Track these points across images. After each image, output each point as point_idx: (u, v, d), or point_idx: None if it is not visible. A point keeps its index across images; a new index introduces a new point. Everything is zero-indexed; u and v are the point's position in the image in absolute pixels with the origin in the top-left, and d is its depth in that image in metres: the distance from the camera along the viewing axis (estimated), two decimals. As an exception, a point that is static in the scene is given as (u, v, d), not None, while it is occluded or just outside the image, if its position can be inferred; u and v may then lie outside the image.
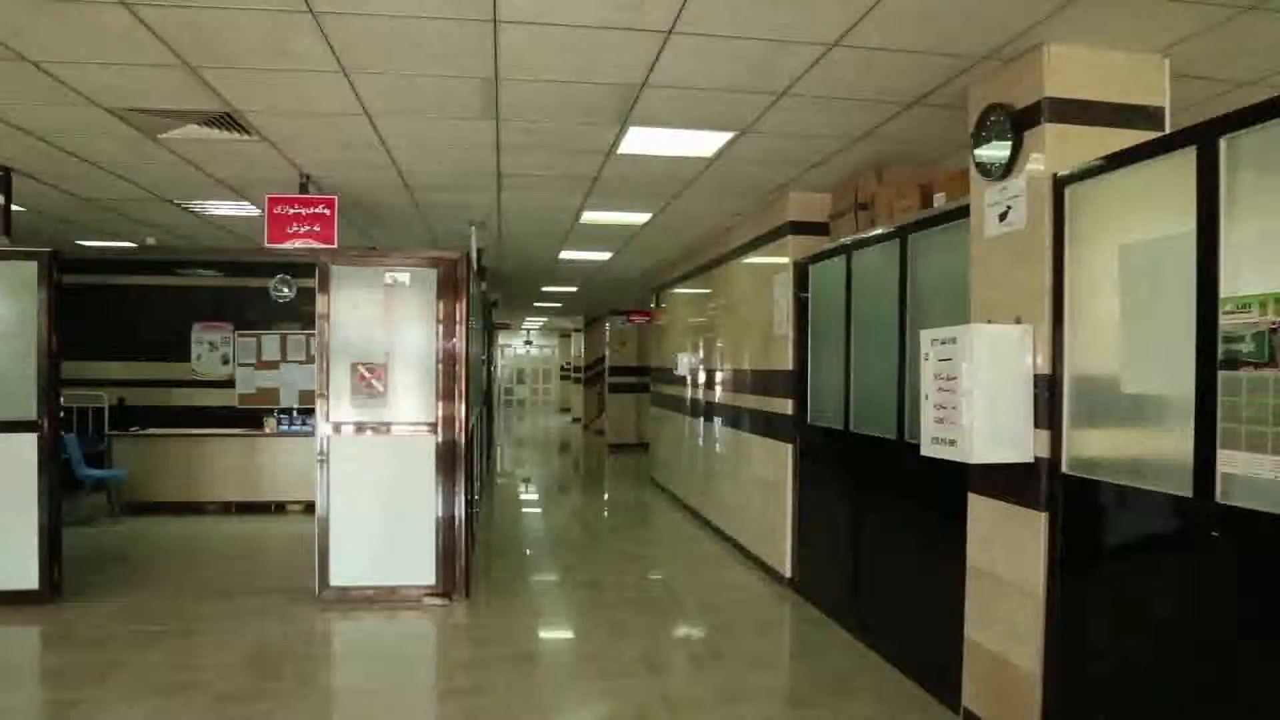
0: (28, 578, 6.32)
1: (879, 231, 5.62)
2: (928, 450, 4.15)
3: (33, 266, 6.40)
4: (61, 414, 6.83)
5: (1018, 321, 3.93)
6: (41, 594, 6.32)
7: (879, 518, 5.61)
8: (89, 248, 10.18)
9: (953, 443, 3.94)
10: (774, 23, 3.79)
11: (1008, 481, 4.00)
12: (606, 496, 13.09)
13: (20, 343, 6.40)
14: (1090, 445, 3.69)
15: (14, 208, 6.74)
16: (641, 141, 5.68)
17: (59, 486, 6.59)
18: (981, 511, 4.26)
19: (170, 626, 6.01)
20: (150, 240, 9.79)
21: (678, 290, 11.89)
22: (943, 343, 4.03)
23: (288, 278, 10.76)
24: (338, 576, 6.51)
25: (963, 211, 4.51)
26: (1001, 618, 4.11)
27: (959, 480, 4.34)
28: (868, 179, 5.96)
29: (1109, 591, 3.53)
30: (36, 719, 4.70)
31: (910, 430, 5.02)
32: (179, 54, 4.19)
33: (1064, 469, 3.75)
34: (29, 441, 6.34)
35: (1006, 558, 4.06)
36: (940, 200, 5.05)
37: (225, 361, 11.23)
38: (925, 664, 4.92)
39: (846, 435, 6.02)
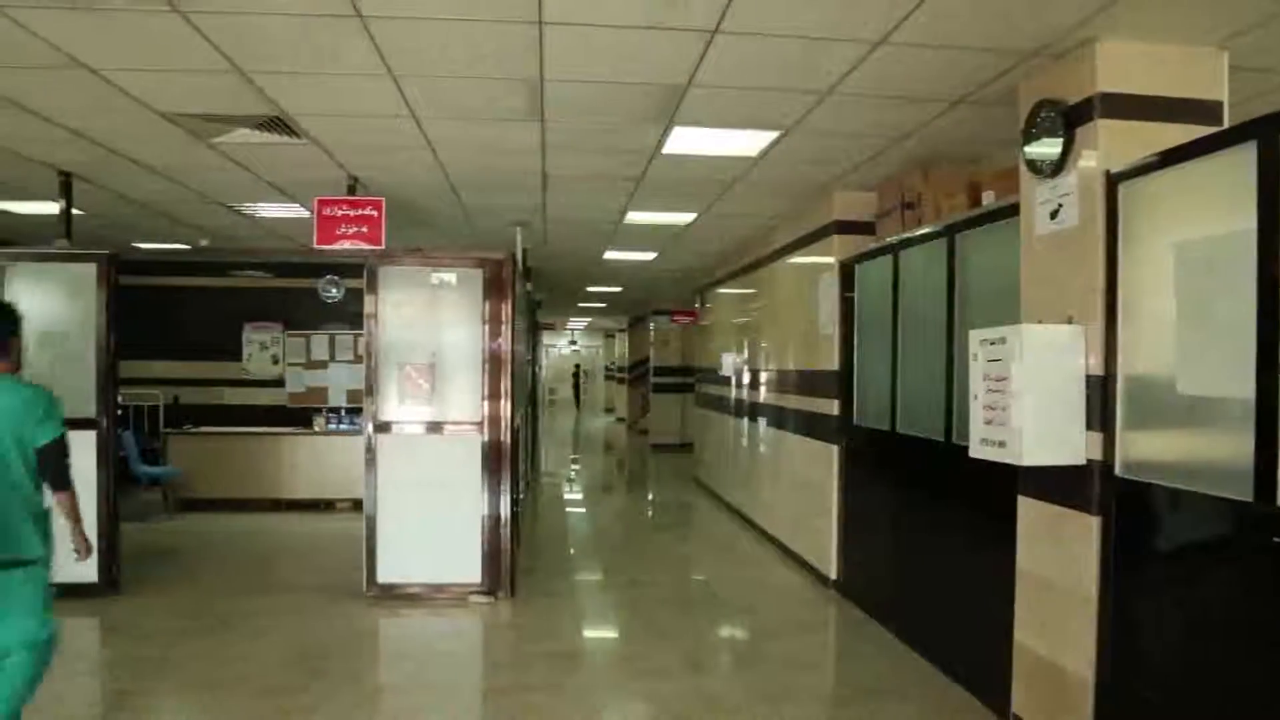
0: (87, 571, 6.43)
1: (926, 230, 5.55)
2: (976, 452, 4.09)
3: (92, 269, 6.58)
4: (119, 412, 6.99)
5: (1069, 321, 3.86)
6: (100, 587, 6.48)
7: (925, 519, 5.54)
8: (144, 250, 10.43)
9: (1002, 444, 3.88)
10: (819, 21, 3.76)
11: (1059, 484, 3.92)
12: (650, 496, 13.10)
13: (80, 342, 6.58)
14: (1144, 448, 3.61)
15: (74, 212, 6.92)
16: (686, 141, 5.67)
17: (116, 483, 6.75)
18: (1031, 514, 4.19)
19: (222, 622, 6.12)
20: (203, 242, 10.01)
21: (722, 290, 11.86)
22: (992, 343, 3.97)
23: (336, 279, 10.94)
24: (385, 573, 6.59)
25: (1012, 210, 4.44)
26: (1052, 622, 4.04)
27: (1008, 482, 4.27)
28: (914, 177, 5.89)
29: (1165, 597, 3.46)
30: (93, 708, 4.83)
31: (958, 432, 4.95)
32: (231, 59, 4.27)
33: (1117, 472, 3.67)
34: (88, 439, 6.50)
35: (1057, 562, 3.99)
36: (989, 198, 4.98)
37: (275, 361, 11.42)
38: (972, 668, 4.85)
39: (893, 436, 5.95)
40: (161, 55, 4.23)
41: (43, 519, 3.84)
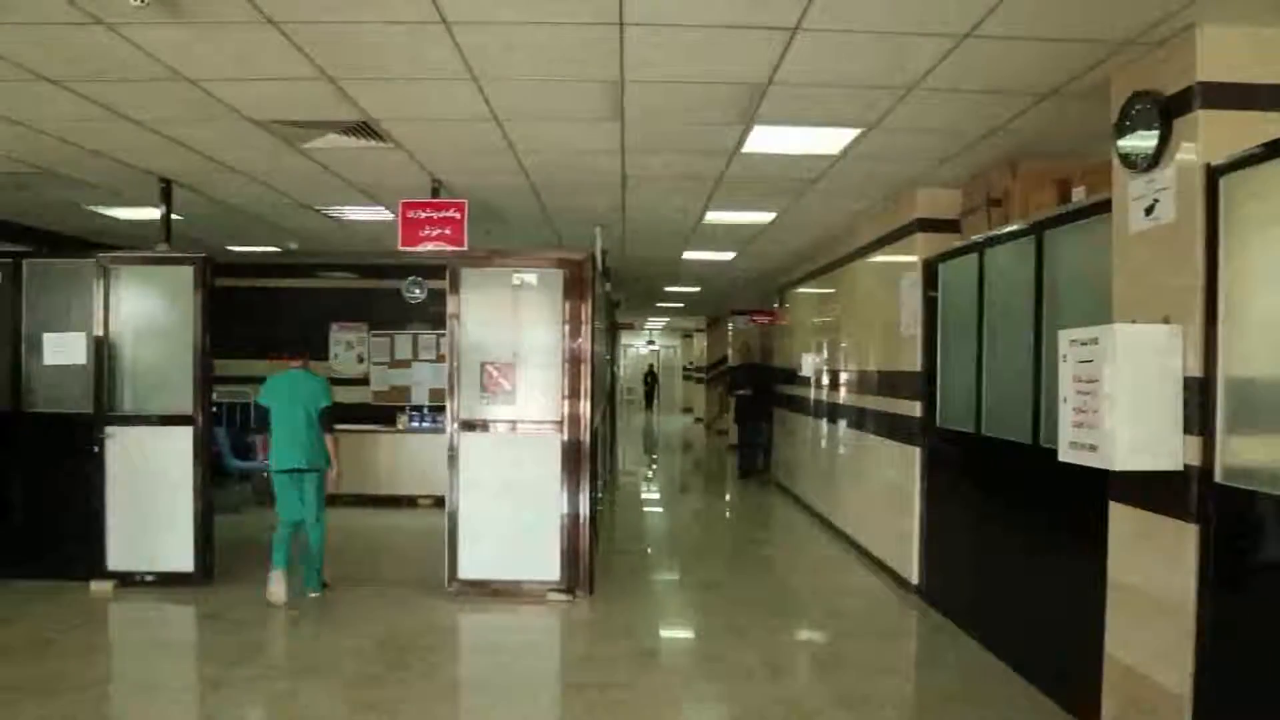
0: (184, 561, 6.75)
1: (1013, 228, 5.41)
2: (1065, 456, 3.98)
3: (189, 271, 6.84)
4: (213, 409, 7.26)
5: (1165, 321, 3.72)
6: (195, 576, 6.75)
7: (1010, 524, 5.40)
8: (237, 253, 10.81)
9: (1093, 448, 3.76)
10: (903, 15, 3.70)
11: (1154, 490, 3.78)
12: (727, 497, 13.04)
13: (179, 342, 6.86)
14: (1248, 453, 3.45)
15: (172, 217, 7.21)
16: (766, 140, 5.64)
17: (211, 476, 7.02)
18: (1124, 521, 4.05)
19: (308, 612, 6.31)
20: (292, 245, 10.32)
21: (801, 290, 11.75)
22: (1083, 343, 3.86)
23: (419, 279, 11.18)
24: (466, 570, 6.69)
25: (1104, 206, 4.30)
26: (1146, 635, 3.90)
27: (1099, 488, 4.13)
28: (1001, 174, 5.75)
29: (1268, 611, 3.30)
30: (188, 692, 5.04)
31: (1046, 434, 4.81)
32: (321, 67, 4.40)
33: (1217, 478, 3.52)
34: (186, 434, 6.77)
35: (1152, 571, 3.85)
36: (1079, 194, 4.83)
37: (360, 360, 11.70)
38: (1058, 678, 4.71)
39: (977, 439, 5.82)
40: (256, 65, 4.38)
41: (323, 448, 6.69)
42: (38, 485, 6.90)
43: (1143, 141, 3.86)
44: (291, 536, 6.54)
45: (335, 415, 6.82)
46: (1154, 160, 3.80)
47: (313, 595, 6.58)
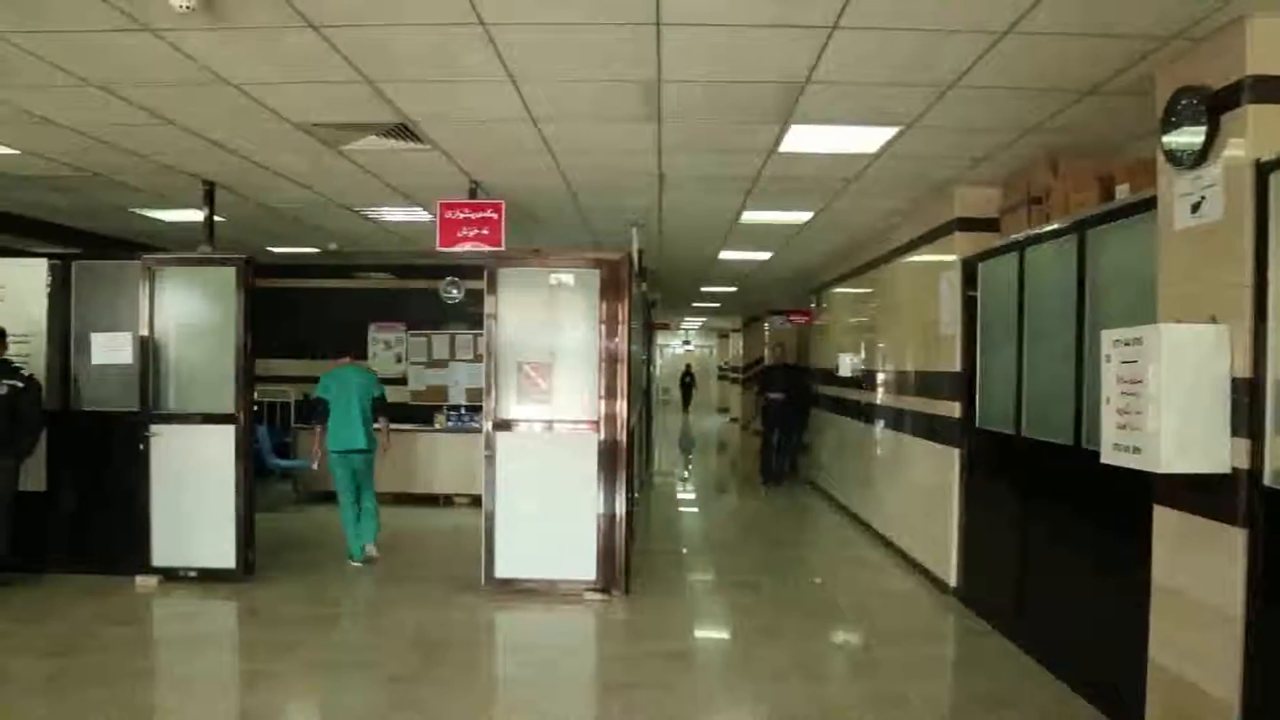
0: (226, 557, 6.85)
1: (1054, 226, 5.34)
2: (1109, 458, 3.91)
3: (232, 272, 6.94)
4: (254, 408, 7.36)
5: (1212, 321, 3.65)
6: (236, 573, 6.85)
7: (1052, 527, 5.33)
8: (278, 254, 10.96)
9: (1137, 450, 3.70)
10: (942, 12, 3.67)
11: (1200, 494, 3.71)
12: (763, 497, 12.98)
13: (221, 342, 6.96)
14: (1298, 456, 3.38)
15: (215, 218, 7.32)
16: (803, 139, 5.61)
17: (252, 475, 7.12)
18: (1169, 525, 3.97)
19: (346, 609, 6.39)
20: (331, 246, 10.44)
21: (838, 290, 11.67)
22: (1126, 344, 3.79)
23: (456, 280, 11.27)
24: (502, 568, 6.73)
25: (1148, 203, 4.23)
26: (1192, 641, 3.82)
27: (1142, 490, 4.06)
28: (1041, 172, 5.67)
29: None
30: (228, 686, 5.12)
31: (1088, 436, 4.74)
32: (361, 70, 4.45)
33: (1266, 481, 3.44)
34: (228, 433, 6.87)
35: (1197, 577, 3.78)
36: (1123, 192, 4.75)
37: (398, 360, 11.80)
38: (1101, 684, 4.63)
39: (1018, 440, 5.75)
40: (298, 69, 4.44)
41: (371, 432, 7.76)
42: (85, 482, 7.05)
43: (1189, 137, 3.79)
44: (354, 506, 7.64)
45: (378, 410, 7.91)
46: (1201, 157, 3.73)
47: (355, 565, 7.57)
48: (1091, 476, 4.43)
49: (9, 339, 6.59)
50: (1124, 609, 4.27)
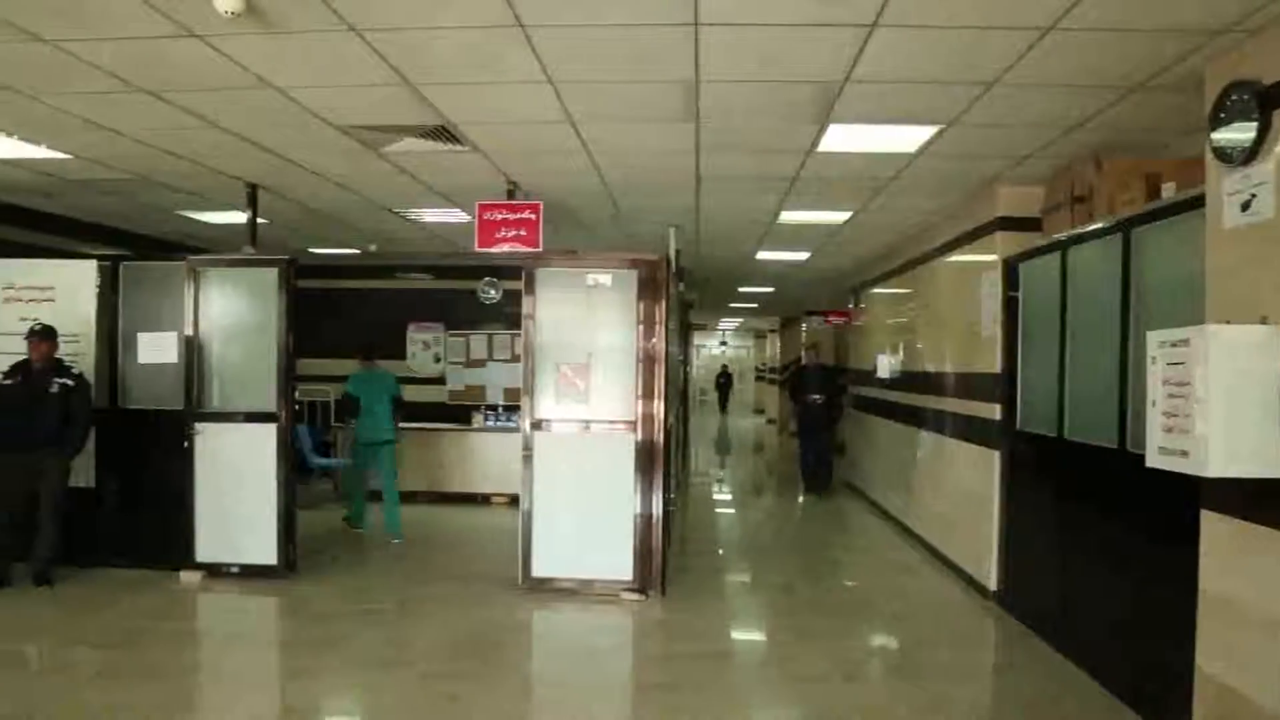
0: (268, 554, 6.96)
1: (1099, 226, 5.26)
2: (1154, 461, 3.84)
3: (274, 273, 7.04)
4: (295, 407, 7.46)
5: (1263, 321, 3.57)
6: (279, 570, 6.95)
7: (1095, 531, 5.25)
8: (318, 255, 11.09)
9: (1184, 454, 3.63)
10: (984, 8, 3.62)
11: (1250, 498, 3.63)
12: (799, 499, 12.91)
13: (264, 342, 7.06)
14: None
15: (258, 220, 7.43)
16: (842, 139, 5.57)
17: (294, 473, 7.22)
18: (1217, 531, 3.90)
19: (385, 606, 6.45)
20: (371, 247, 10.55)
21: (876, 290, 11.58)
22: (1173, 345, 3.73)
23: (494, 280, 11.34)
24: (540, 568, 6.76)
25: (1196, 202, 4.15)
26: (1242, 651, 3.74)
27: (1189, 495, 3.98)
28: (1085, 170, 5.59)
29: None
30: (271, 681, 5.20)
31: (1133, 439, 4.66)
32: (401, 73, 4.49)
33: (1319, 486, 3.37)
34: (270, 431, 6.97)
35: (1248, 584, 3.69)
36: (1169, 190, 4.67)
37: (437, 360, 11.89)
38: (1144, 692, 4.55)
39: (1059, 442, 5.67)
40: (339, 72, 4.49)
41: (393, 425, 8.86)
42: (132, 478, 7.19)
43: (1239, 134, 3.71)
44: (361, 483, 9.04)
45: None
46: (1251, 153, 3.65)
47: (395, 541, 8.55)
48: (1136, 480, 4.36)
49: (60, 338, 6.74)
50: (1170, 615, 4.19)
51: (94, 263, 7.29)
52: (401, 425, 9.16)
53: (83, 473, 6.98)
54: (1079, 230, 5.53)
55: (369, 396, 8.75)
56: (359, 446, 8.87)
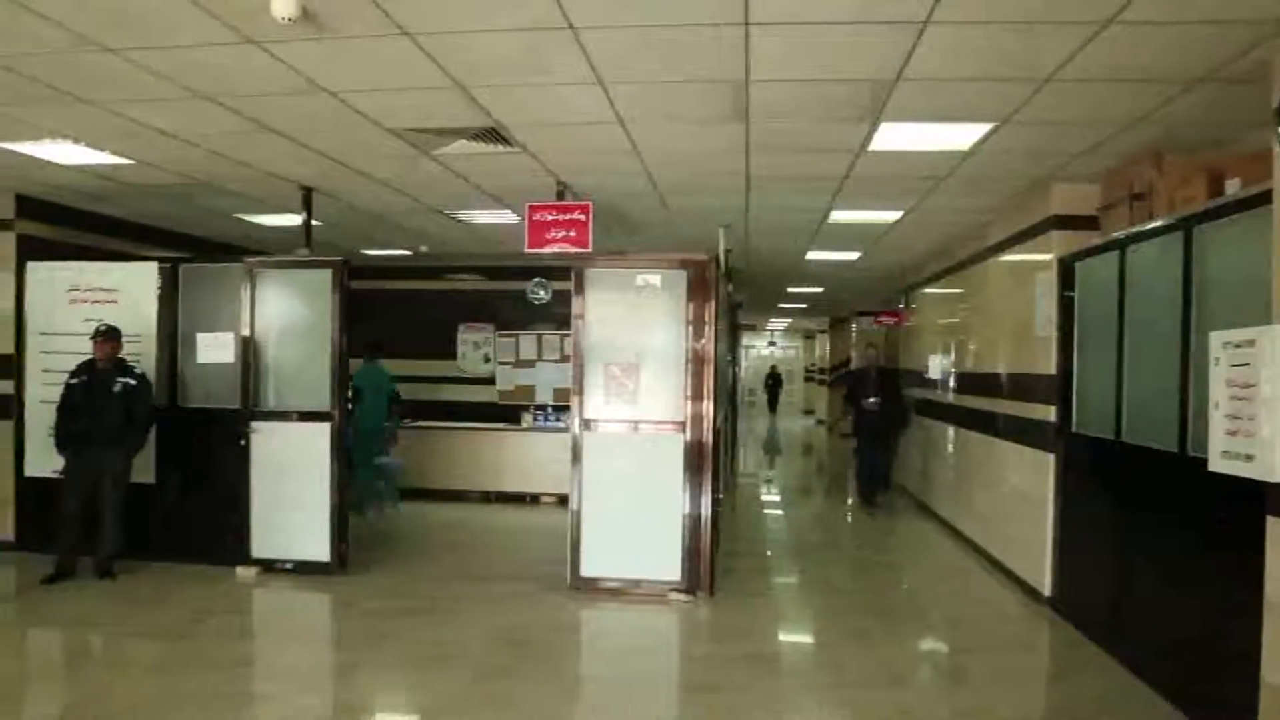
0: (321, 551, 7.08)
1: (1158, 224, 5.14)
2: (1217, 465, 3.75)
3: (328, 274, 7.17)
4: (349, 406, 7.58)
5: (1331, 322, 3.47)
6: (331, 566, 7.07)
7: (1154, 536, 5.12)
8: (370, 256, 11.25)
9: (1249, 458, 3.54)
10: (1040, 2, 3.56)
11: (1317, 503, 3.53)
12: (849, 501, 12.81)
13: (318, 341, 7.20)
14: None
15: (312, 222, 7.57)
16: (893, 137, 5.52)
17: (346, 471, 7.33)
18: (1283, 536, 3.79)
19: (436, 604, 6.51)
20: (422, 248, 10.68)
21: (928, 290, 11.44)
22: (1237, 346, 3.64)
23: (544, 281, 11.40)
24: (588, 568, 6.78)
25: (1261, 198, 4.03)
26: (1307, 657, 3.63)
27: (1254, 500, 3.87)
28: (1144, 166, 5.46)
29: None
30: (324, 675, 5.29)
31: (1194, 442, 4.54)
32: (453, 75, 4.54)
33: (1390, 491, 3.26)
34: (324, 430, 7.10)
35: (1314, 590, 3.59)
36: (1233, 187, 4.54)
37: (487, 360, 12.01)
38: (1206, 702, 4.43)
39: (1117, 445, 5.55)
40: (392, 76, 4.56)
41: (388, 414, 9.96)
42: (191, 476, 7.36)
43: (1306, 129, 3.61)
44: (374, 477, 9.83)
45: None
46: (1319, 149, 3.55)
47: (400, 509, 9.88)
48: (1197, 484, 4.26)
49: (123, 339, 6.92)
50: (1232, 624, 4.08)
51: (155, 265, 7.49)
52: (451, 425, 10.24)
53: (144, 469, 7.16)
54: (1138, 229, 5.40)
55: (369, 388, 9.70)
56: (360, 436, 9.27)
